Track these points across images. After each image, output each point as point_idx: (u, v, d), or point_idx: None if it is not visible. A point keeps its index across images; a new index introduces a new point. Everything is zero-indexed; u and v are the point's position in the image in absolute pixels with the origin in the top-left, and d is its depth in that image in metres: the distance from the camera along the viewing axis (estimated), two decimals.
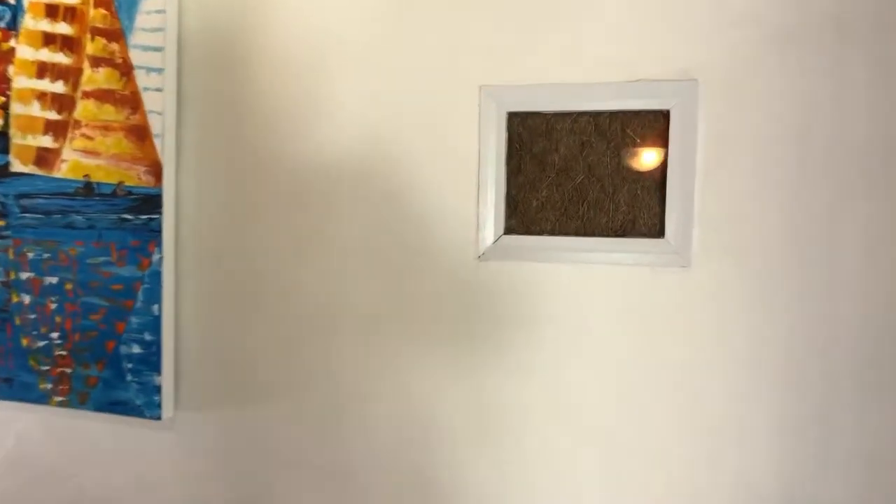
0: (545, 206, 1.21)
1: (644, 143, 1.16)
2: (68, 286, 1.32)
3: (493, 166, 1.20)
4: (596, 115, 1.18)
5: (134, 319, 1.30)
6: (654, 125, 1.15)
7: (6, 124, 1.29)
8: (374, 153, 1.24)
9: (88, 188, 1.30)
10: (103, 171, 1.29)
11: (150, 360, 1.30)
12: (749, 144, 1.10)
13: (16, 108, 1.24)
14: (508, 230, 1.22)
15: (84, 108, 1.28)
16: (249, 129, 1.26)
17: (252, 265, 1.30)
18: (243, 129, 1.26)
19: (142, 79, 1.26)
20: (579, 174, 1.19)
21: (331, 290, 1.27)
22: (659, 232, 1.16)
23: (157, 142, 1.26)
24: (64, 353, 1.33)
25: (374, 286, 1.26)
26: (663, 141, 1.15)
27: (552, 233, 1.20)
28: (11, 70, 1.29)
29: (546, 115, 1.19)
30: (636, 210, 1.17)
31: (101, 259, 1.30)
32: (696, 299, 1.14)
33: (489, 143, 1.19)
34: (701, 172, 1.12)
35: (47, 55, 1.28)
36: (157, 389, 1.30)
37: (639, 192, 1.17)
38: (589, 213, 1.19)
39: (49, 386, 1.32)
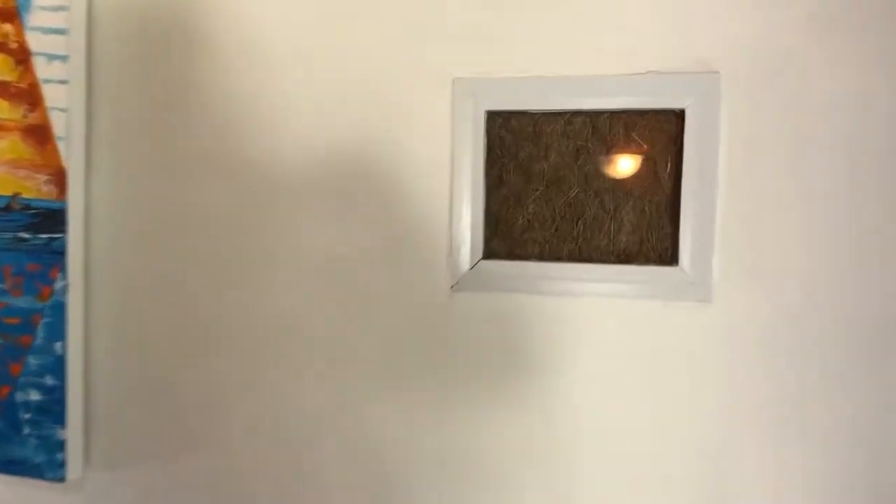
0: (532, 225, 0.99)
1: (653, 150, 0.95)
2: None
3: (469, 176, 0.98)
4: (594, 116, 0.97)
5: (32, 360, 1.06)
6: (666, 127, 0.95)
7: None
8: (327, 160, 1.02)
9: None
10: None
11: (53, 409, 1.07)
12: (784, 150, 0.89)
13: None
14: (488, 254, 1.00)
15: None
16: (177, 130, 1.05)
17: (180, 294, 1.08)
18: (169, 131, 1.05)
19: (42, 68, 1.03)
20: (574, 187, 0.98)
21: (274, 325, 1.05)
22: (671, 258, 0.95)
23: (60, 145, 1.03)
24: None
25: (326, 321, 1.03)
26: (677, 147, 0.94)
27: (541, 258, 0.99)
28: None
29: (533, 114, 0.98)
30: (643, 231, 0.96)
31: None
32: (717, 341, 0.92)
33: (465, 148, 0.98)
34: (724, 185, 0.91)
35: None
36: (61, 445, 1.07)
37: (646, 208, 0.96)
38: (585, 233, 0.98)
39: None
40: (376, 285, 1.02)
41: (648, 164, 0.96)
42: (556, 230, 0.99)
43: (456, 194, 0.99)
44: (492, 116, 0.99)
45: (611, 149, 0.97)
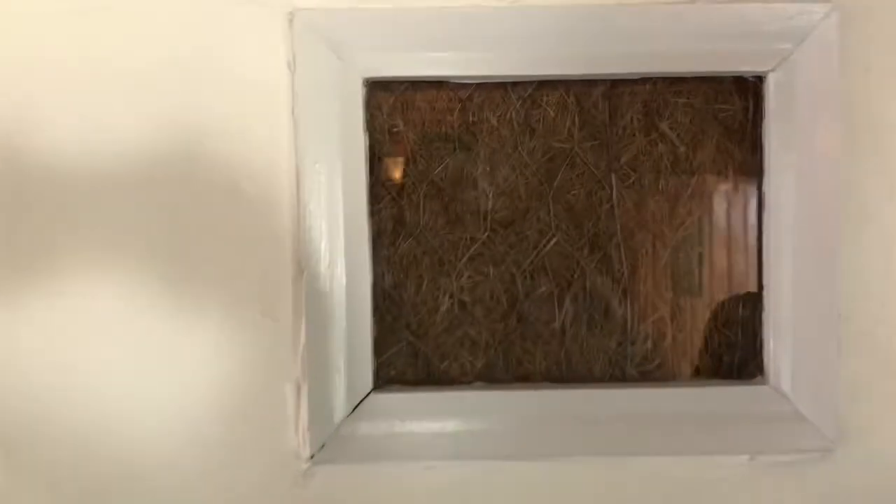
0: (471, 314, 0.49)
1: (700, 154, 0.48)
2: None
3: (337, 217, 0.46)
4: (583, 89, 0.48)
5: None
6: (725, 112, 0.48)
7: None
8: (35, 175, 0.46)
9: None
10: None
11: None
12: None
13: None
14: (383, 380, 0.48)
15: None
16: None
17: None
18: None
19: None
20: (549, 231, 0.49)
21: None
22: (750, 366, 0.48)
23: None
24: None
25: None
26: (746, 146, 0.48)
27: (489, 379, 0.48)
28: None
29: (460, 86, 0.48)
30: (687, 313, 0.49)
31: None
32: None
33: (324, 157, 0.46)
34: (853, 220, 0.46)
35: None
36: None
37: (695, 268, 0.49)
38: (577, 324, 0.49)
39: None
40: (151, 463, 0.46)
41: (693, 183, 0.48)
42: (519, 321, 0.49)
43: (309, 254, 0.46)
44: (376, 91, 0.48)
45: (618, 156, 0.49)
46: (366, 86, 0.47)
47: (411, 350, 0.49)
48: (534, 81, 0.48)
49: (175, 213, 0.46)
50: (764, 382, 0.47)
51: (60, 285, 0.46)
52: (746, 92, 0.48)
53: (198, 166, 0.46)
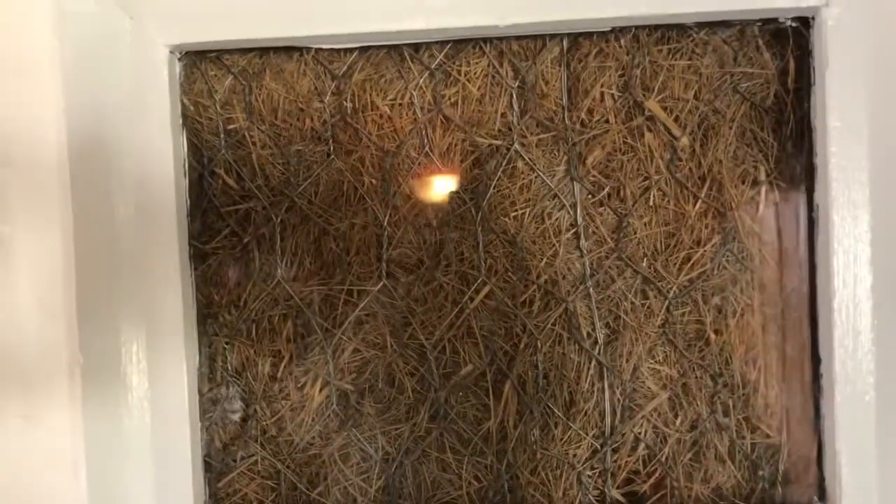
0: (356, 412, 0.31)
1: (712, 150, 0.30)
2: None
3: (136, 277, 0.28)
4: (525, 48, 0.30)
5: None
6: (752, 80, 0.30)
7: None
8: None
9: None
10: None
11: None
12: None
13: None
14: None
15: None
16: None
17: None
18: None
19: None
20: (477, 273, 0.31)
21: None
22: (792, 481, 0.30)
23: None
24: None
25: None
26: (782, 136, 0.29)
27: None
28: None
29: (329, 54, 0.30)
30: (698, 399, 0.31)
31: None
32: None
33: (108, 174, 0.28)
34: None
35: None
36: None
37: (709, 324, 0.30)
38: (524, 423, 0.31)
39: None
40: None
41: (702, 196, 0.30)
42: (434, 420, 0.31)
43: (90, 330, 0.28)
44: (200, 66, 0.30)
45: (581, 154, 0.31)
46: (182, 59, 0.30)
47: (268, 470, 0.31)
48: (446, 41, 0.30)
49: None
50: None
51: None
52: (783, 46, 0.30)
53: None
